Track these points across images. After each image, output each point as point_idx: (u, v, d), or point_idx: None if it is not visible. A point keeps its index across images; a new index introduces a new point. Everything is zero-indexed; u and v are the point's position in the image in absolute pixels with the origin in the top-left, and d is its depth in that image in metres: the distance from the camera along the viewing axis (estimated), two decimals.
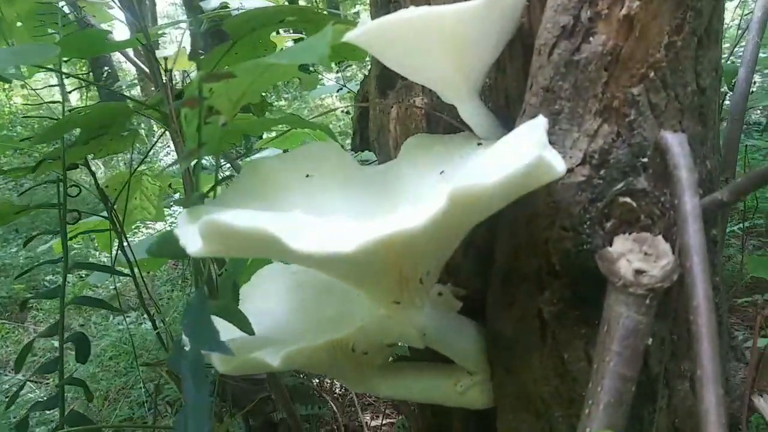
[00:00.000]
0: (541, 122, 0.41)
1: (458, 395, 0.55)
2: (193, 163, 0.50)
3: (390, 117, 0.69)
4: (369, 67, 0.98)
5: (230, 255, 0.49)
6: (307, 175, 0.53)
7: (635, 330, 0.39)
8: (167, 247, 0.44)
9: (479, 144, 0.52)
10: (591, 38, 0.44)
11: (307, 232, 0.32)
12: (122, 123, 0.89)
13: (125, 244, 0.97)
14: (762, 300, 1.97)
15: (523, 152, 0.36)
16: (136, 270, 0.92)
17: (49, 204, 0.79)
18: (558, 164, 0.36)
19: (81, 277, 3.04)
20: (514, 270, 0.48)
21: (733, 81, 0.83)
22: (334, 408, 2.16)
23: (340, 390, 2.29)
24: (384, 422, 2.05)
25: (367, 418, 2.17)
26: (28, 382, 2.32)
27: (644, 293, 0.39)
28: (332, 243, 0.31)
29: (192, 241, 0.37)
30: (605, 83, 0.44)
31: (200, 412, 0.42)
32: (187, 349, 0.49)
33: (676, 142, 0.40)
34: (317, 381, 2.23)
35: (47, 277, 4.10)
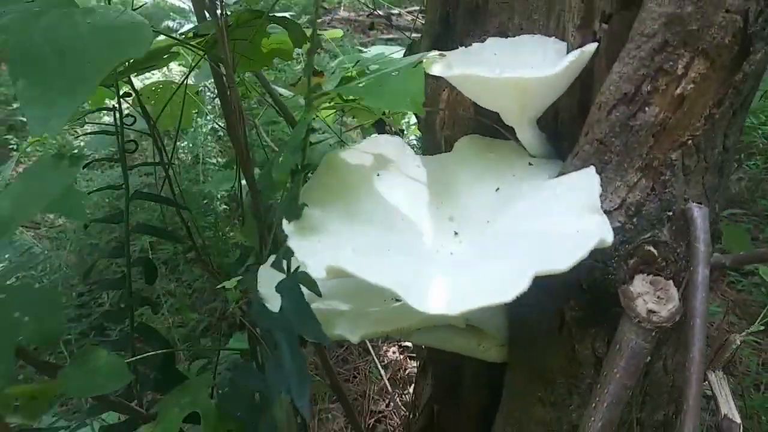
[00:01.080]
0: (595, 185, 0.50)
1: (480, 352, 0.69)
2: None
3: (440, 98, 0.75)
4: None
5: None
6: (378, 174, 0.62)
7: (640, 353, 0.51)
8: (279, 264, 0.53)
9: (530, 164, 0.61)
10: (647, 108, 0.52)
11: (421, 290, 0.43)
12: (166, 52, 0.93)
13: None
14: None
15: (586, 231, 0.45)
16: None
17: (107, 131, 0.85)
18: (610, 238, 0.46)
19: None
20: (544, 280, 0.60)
21: None
22: None
23: None
24: None
25: None
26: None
27: (652, 328, 0.51)
28: (443, 306, 0.41)
29: (316, 269, 0.47)
30: (650, 146, 0.53)
31: (301, 376, 0.54)
32: (269, 307, 0.60)
33: (699, 216, 0.50)
34: None
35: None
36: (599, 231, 0.45)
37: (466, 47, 0.66)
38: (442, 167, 0.65)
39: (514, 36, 0.69)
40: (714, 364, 0.69)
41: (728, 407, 0.68)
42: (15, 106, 4.05)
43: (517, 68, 0.52)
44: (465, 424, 0.84)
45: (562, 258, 0.43)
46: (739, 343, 0.69)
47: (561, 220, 0.50)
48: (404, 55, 0.91)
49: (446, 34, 0.79)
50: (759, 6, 0.49)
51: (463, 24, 0.76)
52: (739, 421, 0.67)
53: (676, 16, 0.49)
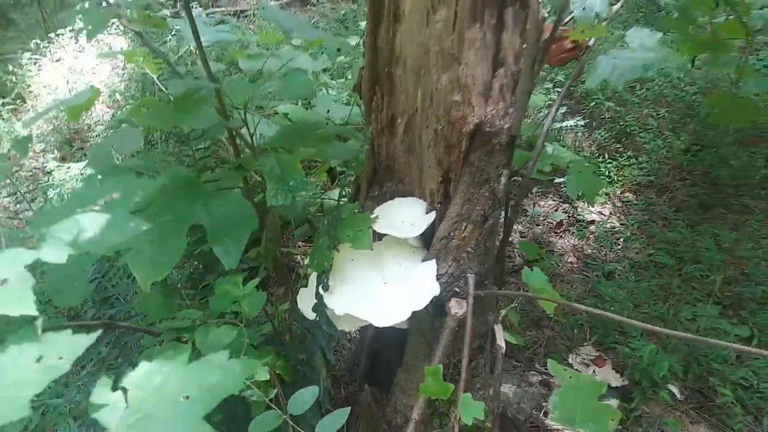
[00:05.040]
0: (434, 271, 1.39)
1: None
2: None
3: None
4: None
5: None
6: (352, 260, 1.48)
7: (454, 328, 1.42)
8: (320, 307, 1.38)
9: (413, 251, 1.48)
10: (452, 240, 1.40)
11: (376, 316, 1.30)
12: None
13: None
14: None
15: (429, 292, 1.34)
16: None
17: None
18: (437, 292, 1.35)
19: None
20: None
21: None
22: None
23: None
24: None
25: None
26: None
27: (457, 319, 1.41)
28: (383, 320, 1.30)
29: (337, 310, 1.33)
30: (455, 254, 1.41)
31: (329, 348, 1.41)
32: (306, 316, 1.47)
33: (471, 280, 1.40)
34: None
35: None
36: (434, 290, 1.34)
37: (388, 199, 1.52)
38: (380, 250, 1.51)
39: (406, 183, 1.55)
40: (496, 321, 1.62)
41: (501, 340, 1.62)
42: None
43: (402, 228, 1.39)
44: (391, 357, 1.76)
45: (420, 304, 1.31)
46: (503, 315, 1.63)
47: (423, 285, 1.38)
48: (352, 189, 1.74)
49: (375, 176, 1.63)
50: (486, 213, 1.37)
51: (383, 173, 1.61)
52: (503, 345, 1.61)
53: (460, 213, 1.37)
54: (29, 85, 5.24)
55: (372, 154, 1.60)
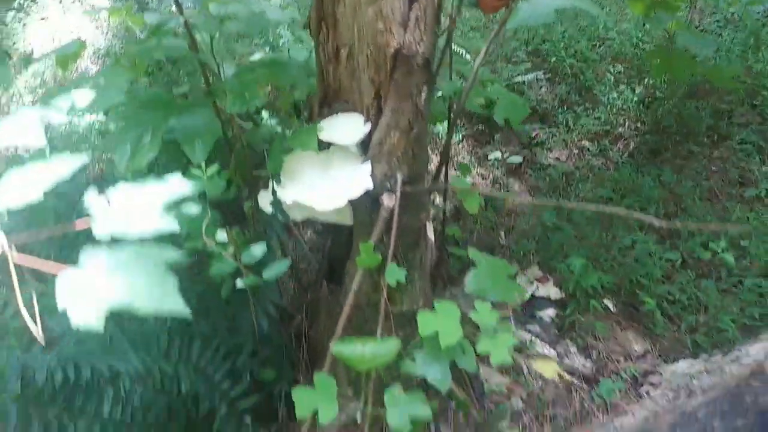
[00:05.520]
0: (369, 170, 1.69)
1: (344, 219, 1.89)
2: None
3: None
4: None
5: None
6: (302, 162, 1.77)
7: (386, 218, 1.73)
8: (278, 204, 1.67)
9: (353, 156, 1.78)
10: (385, 146, 1.70)
11: (317, 201, 1.61)
12: None
13: None
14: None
15: (365, 185, 1.64)
16: None
17: None
18: (370, 186, 1.65)
19: None
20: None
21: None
22: None
23: None
24: None
25: None
26: None
27: (388, 209, 1.72)
28: (323, 205, 1.60)
29: (287, 199, 1.63)
30: (387, 158, 1.71)
31: (283, 233, 1.71)
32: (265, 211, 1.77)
33: (399, 178, 1.70)
34: None
35: None
36: (367, 184, 1.64)
37: (335, 112, 1.81)
38: (328, 155, 1.81)
39: (350, 103, 1.84)
40: (428, 219, 1.93)
41: (430, 233, 1.92)
42: None
43: (343, 137, 1.68)
44: (344, 256, 2.07)
45: (355, 194, 1.61)
46: (433, 213, 1.93)
47: (359, 180, 1.68)
48: (306, 102, 2.02)
49: (325, 99, 1.92)
50: (411, 123, 1.66)
51: (332, 96, 1.89)
52: (432, 238, 1.92)
53: (389, 123, 1.66)
54: (15, 42, 5.43)
55: (321, 80, 1.88)
